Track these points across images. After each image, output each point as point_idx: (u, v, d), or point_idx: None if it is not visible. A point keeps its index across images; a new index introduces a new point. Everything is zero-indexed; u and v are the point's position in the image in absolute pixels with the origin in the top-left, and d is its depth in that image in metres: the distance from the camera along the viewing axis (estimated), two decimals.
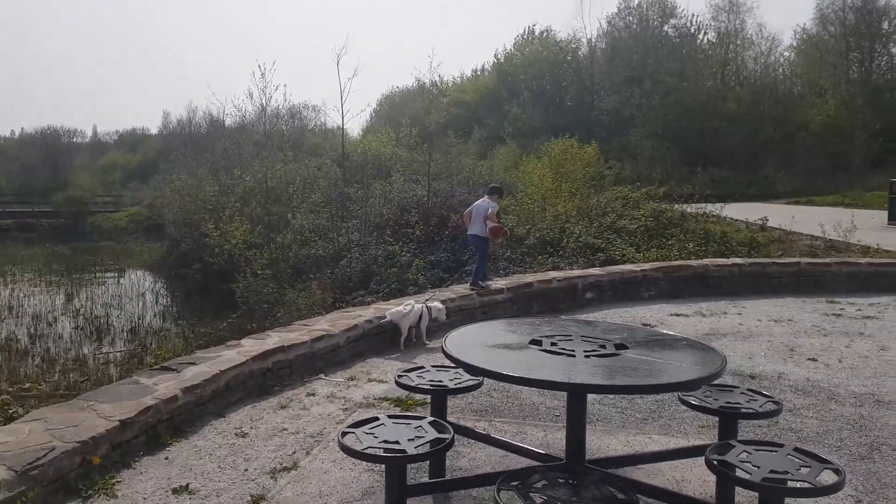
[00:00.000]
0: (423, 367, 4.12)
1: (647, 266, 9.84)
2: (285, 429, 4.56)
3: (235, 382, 5.04)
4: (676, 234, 14.10)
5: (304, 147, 28.89)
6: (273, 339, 5.76)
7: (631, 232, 14.74)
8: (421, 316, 6.67)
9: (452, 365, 3.45)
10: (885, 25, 39.45)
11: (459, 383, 3.83)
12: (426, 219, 16.22)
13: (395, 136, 30.84)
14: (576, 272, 9.63)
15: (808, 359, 6.24)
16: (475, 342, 3.52)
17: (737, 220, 17.36)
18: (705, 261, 10.39)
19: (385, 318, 6.56)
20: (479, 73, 54.35)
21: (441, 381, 3.86)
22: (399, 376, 3.95)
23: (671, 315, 8.18)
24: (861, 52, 39.89)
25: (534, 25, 58.44)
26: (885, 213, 19.05)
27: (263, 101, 24.01)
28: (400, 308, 6.64)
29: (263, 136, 23.11)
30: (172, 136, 54.10)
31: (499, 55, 52.02)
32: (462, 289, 8.24)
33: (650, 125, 38.19)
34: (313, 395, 5.25)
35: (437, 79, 48.17)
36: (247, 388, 5.15)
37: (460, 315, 7.45)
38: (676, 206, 16.88)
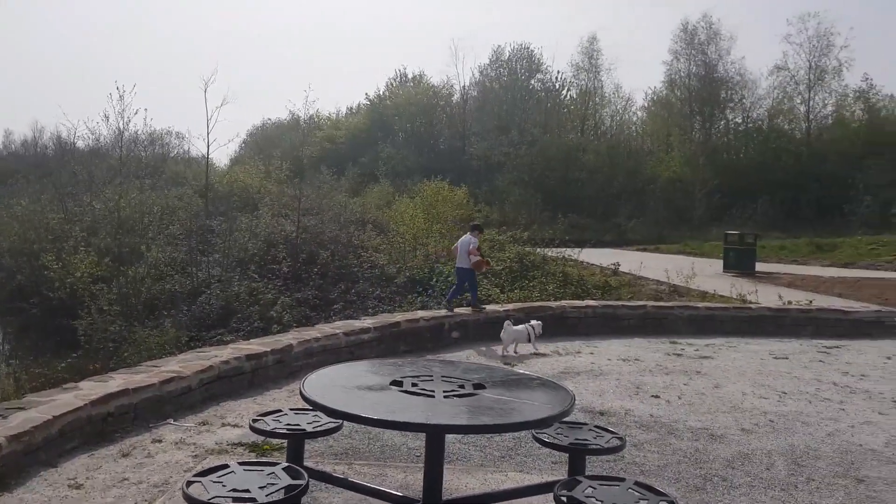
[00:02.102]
0: (280, 411, 3.99)
1: (510, 307, 10.20)
2: (126, 479, 4.22)
3: (71, 429, 4.62)
4: (538, 277, 14.78)
5: (164, 175, 27.48)
6: (116, 381, 5.35)
7: (497, 273, 15.25)
8: (529, 334, 8.53)
9: (312, 408, 3.38)
10: (723, 94, 44.28)
11: (318, 426, 3.76)
12: (294, 255, 15.90)
13: (265, 169, 30.17)
14: (443, 312, 9.77)
15: (652, 396, 6.71)
16: (336, 384, 3.47)
17: (592, 264, 18.50)
18: (563, 302, 10.96)
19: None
20: (354, 111, 54.65)
21: (299, 425, 3.76)
22: (254, 420, 3.80)
23: (531, 354, 8.51)
24: (703, 115, 44.48)
25: (405, 69, 59.80)
26: (720, 262, 21.08)
27: (121, 124, 22.59)
28: (519, 327, 8.51)
29: (119, 162, 21.74)
30: (14, 157, 49.54)
31: (371, 96, 52.64)
32: (329, 328, 8.12)
33: (517, 172, 40.08)
34: (160, 441, 4.92)
35: (314, 113, 47.87)
36: (84, 435, 4.73)
37: (324, 355, 7.32)
38: (539, 249, 17.73)
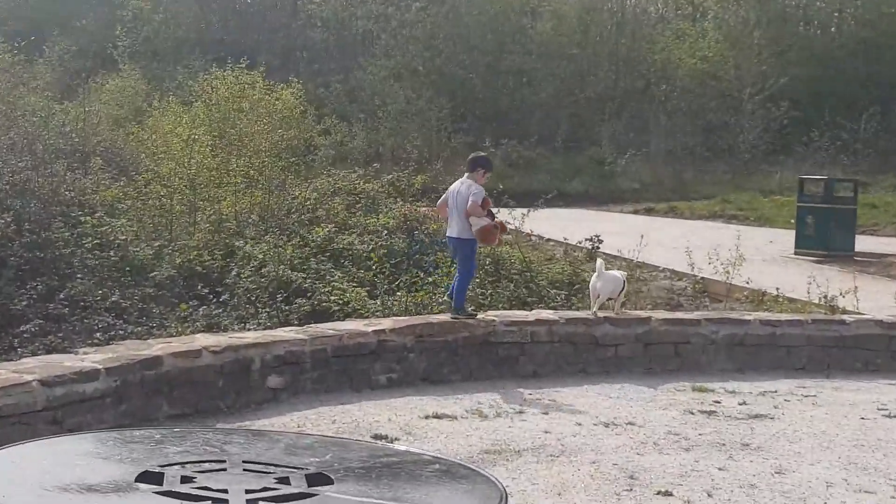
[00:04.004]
0: None
1: (386, 324, 10.29)
2: None
3: None
4: (445, 265, 14.90)
5: None
6: None
7: (361, 258, 15.27)
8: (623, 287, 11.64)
9: None
10: None
11: None
12: None
13: None
14: (251, 336, 9.74)
15: (659, 493, 6.99)
16: (24, 482, 3.42)
17: (549, 239, 18.88)
18: (492, 314, 11.18)
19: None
20: None
21: None
22: None
23: (428, 417, 8.64)
24: None
25: None
26: (789, 234, 21.95)
27: None
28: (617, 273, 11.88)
29: None
30: None
31: None
32: (12, 372, 7.92)
33: (402, 54, 39.98)
34: None
35: None
36: None
37: (7, 427, 7.16)
38: None
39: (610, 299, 11.36)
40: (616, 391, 9.89)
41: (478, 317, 10.90)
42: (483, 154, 11.81)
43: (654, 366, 10.85)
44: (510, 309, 12.65)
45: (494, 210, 11.61)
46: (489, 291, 14.16)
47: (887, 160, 35.12)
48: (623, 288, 11.57)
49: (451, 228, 10.84)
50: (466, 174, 10.84)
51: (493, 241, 11.18)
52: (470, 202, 10.34)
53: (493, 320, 10.72)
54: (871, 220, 26.15)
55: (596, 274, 11.26)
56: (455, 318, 10.60)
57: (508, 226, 17.44)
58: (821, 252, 20.63)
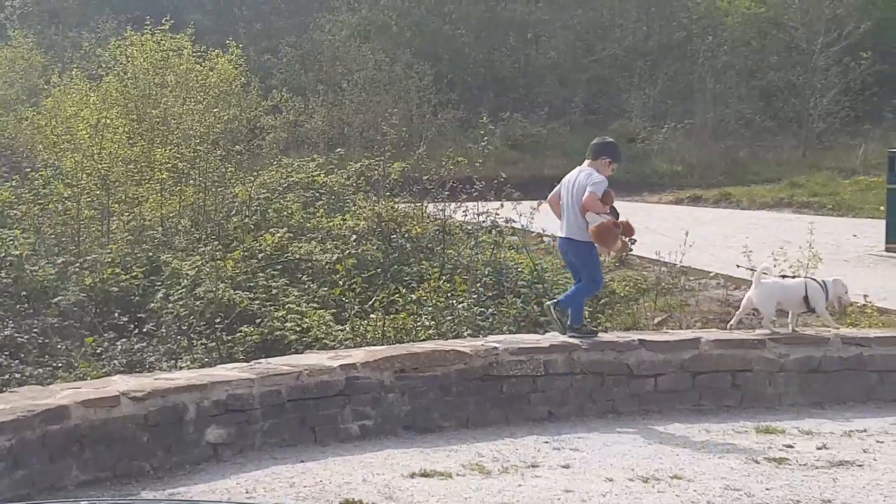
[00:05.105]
0: None
1: (358, 357, 10.24)
2: None
3: None
4: (432, 277, 14.88)
5: None
6: None
7: (324, 271, 15.27)
8: (816, 294, 11.38)
9: None
10: None
11: None
12: None
13: None
14: (184, 377, 9.71)
15: None
16: None
17: None
18: (493, 340, 11.13)
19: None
20: None
21: None
22: None
23: (414, 475, 8.60)
24: None
25: None
26: (879, 225, 21.87)
27: None
28: (792, 282, 11.97)
29: None
30: None
31: None
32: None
33: (370, 5, 39.99)
34: None
35: None
36: None
37: None
38: (431, 206, 17.83)
39: (793, 313, 11.74)
40: (657, 435, 9.86)
41: (596, 334, 11.34)
42: (610, 140, 11.89)
43: (705, 401, 10.80)
44: (517, 332, 12.62)
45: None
46: (489, 310, 14.12)
47: None
48: (821, 301, 11.50)
49: (563, 227, 11.07)
50: (587, 162, 11.02)
51: (613, 244, 11.18)
52: (587, 194, 10.51)
53: (496, 347, 10.62)
54: None
55: (754, 284, 11.77)
56: (573, 336, 10.89)
57: (516, 223, 17.46)
58: None
